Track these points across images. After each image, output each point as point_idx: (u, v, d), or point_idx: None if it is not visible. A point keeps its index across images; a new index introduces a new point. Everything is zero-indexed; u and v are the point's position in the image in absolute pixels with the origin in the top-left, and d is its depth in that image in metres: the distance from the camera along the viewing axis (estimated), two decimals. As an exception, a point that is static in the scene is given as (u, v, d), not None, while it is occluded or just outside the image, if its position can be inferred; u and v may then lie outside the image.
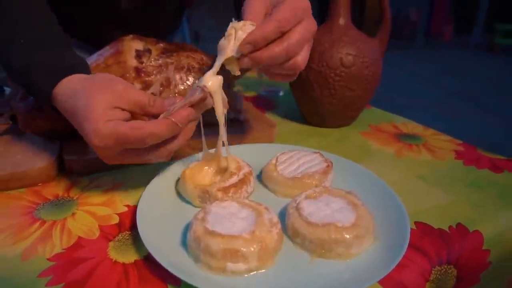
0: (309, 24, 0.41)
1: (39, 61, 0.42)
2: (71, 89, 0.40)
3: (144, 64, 0.55)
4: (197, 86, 0.39)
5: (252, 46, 0.38)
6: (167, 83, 0.55)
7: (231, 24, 0.39)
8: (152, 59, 0.56)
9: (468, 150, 0.59)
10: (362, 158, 0.57)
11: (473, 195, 0.47)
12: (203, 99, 0.39)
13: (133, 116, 0.40)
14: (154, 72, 0.55)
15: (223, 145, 0.44)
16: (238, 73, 0.41)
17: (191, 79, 0.57)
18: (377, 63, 0.63)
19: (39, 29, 0.45)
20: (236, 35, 0.38)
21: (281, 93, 0.87)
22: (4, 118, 0.54)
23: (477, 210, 0.43)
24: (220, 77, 0.39)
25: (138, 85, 0.54)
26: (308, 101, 0.65)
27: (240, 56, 0.39)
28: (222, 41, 0.39)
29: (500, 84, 4.59)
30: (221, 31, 0.40)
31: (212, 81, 0.39)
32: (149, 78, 0.55)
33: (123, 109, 0.39)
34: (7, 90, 0.68)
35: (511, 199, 0.46)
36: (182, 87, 0.56)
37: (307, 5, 0.42)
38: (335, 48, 0.60)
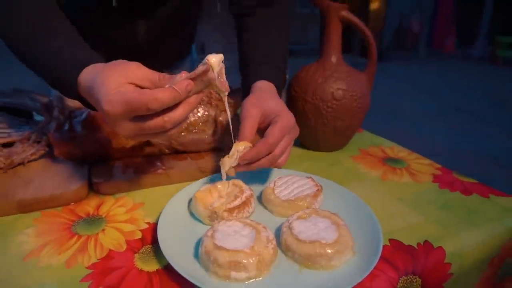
0: (292, 137, 0.56)
1: (66, 57, 0.50)
2: (91, 73, 0.47)
3: (161, 99, 0.63)
4: (201, 62, 0.44)
5: (247, 162, 0.51)
6: (180, 115, 0.64)
7: (234, 146, 0.51)
8: (168, 94, 0.64)
9: (445, 174, 0.67)
10: (351, 181, 0.65)
11: (442, 215, 0.54)
12: (205, 72, 0.44)
13: None
14: (170, 105, 0.64)
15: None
16: (233, 174, 0.52)
17: (201, 110, 0.66)
18: (365, 96, 0.71)
19: (65, 34, 0.53)
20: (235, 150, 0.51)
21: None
22: (41, 145, 0.63)
23: (443, 229, 0.51)
24: (221, 55, 0.45)
25: (155, 117, 0.63)
26: (304, 129, 0.72)
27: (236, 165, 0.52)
28: (226, 158, 0.51)
29: (502, 97, 4.65)
30: (225, 43, 0.47)
31: (215, 57, 0.44)
32: (165, 111, 0.63)
33: (136, 85, 0.43)
34: (37, 117, 0.76)
35: (474, 219, 0.53)
36: (193, 118, 0.65)
37: (293, 120, 0.56)
38: (327, 83, 0.69)
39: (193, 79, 0.43)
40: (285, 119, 0.54)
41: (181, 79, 0.42)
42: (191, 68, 0.48)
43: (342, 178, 0.65)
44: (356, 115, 0.70)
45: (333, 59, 0.71)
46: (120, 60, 0.46)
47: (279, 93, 0.66)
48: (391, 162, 0.72)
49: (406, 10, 8.45)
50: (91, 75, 0.46)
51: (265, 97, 0.57)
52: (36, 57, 0.53)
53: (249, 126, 0.53)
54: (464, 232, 0.51)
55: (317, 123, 0.70)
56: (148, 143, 0.64)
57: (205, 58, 0.44)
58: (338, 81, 0.69)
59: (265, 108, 0.55)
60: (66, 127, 0.61)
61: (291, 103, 0.73)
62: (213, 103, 0.67)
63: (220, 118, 0.66)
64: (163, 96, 0.40)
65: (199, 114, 0.65)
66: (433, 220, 0.53)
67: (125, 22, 0.81)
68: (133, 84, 0.44)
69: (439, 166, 0.70)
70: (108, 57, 0.49)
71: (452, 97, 4.75)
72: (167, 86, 0.42)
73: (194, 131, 0.65)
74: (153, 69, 0.46)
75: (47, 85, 0.55)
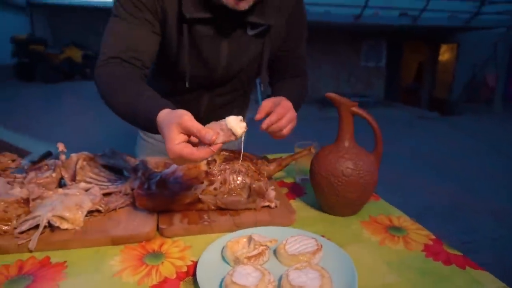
0: (290, 117, 0.88)
1: (149, 106, 0.77)
2: (161, 120, 0.72)
3: (211, 169, 0.87)
4: (229, 130, 0.67)
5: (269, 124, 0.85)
6: (224, 182, 0.87)
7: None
8: (217, 166, 0.88)
9: (435, 245, 0.80)
10: (353, 243, 0.80)
11: (416, 279, 0.68)
12: (230, 139, 0.67)
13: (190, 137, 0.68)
14: (217, 174, 0.87)
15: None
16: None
17: (240, 178, 0.88)
18: (372, 174, 0.88)
19: (149, 92, 0.83)
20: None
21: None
22: (128, 197, 0.89)
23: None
24: (240, 118, 0.69)
25: (206, 182, 0.86)
26: (321, 197, 0.91)
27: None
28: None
29: None
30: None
31: (240, 128, 0.67)
32: (213, 178, 0.87)
33: (184, 134, 0.67)
34: (126, 173, 1.05)
35: (441, 285, 0.66)
36: (233, 185, 0.87)
37: (288, 106, 0.89)
38: (339, 163, 0.87)
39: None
40: (281, 106, 0.86)
41: (217, 144, 0.67)
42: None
43: (346, 240, 0.81)
44: (363, 189, 0.87)
45: (346, 143, 0.89)
46: (177, 113, 0.69)
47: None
48: (393, 230, 0.86)
49: (479, 61, 8.17)
50: (162, 118, 0.73)
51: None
52: (131, 112, 0.83)
53: (266, 103, 0.88)
54: (427, 294, 0.64)
55: (330, 194, 0.88)
56: (200, 201, 0.87)
57: (227, 123, 0.67)
58: (347, 161, 0.87)
59: (272, 100, 0.89)
60: (146, 185, 0.87)
61: (312, 176, 0.92)
62: (249, 174, 0.89)
63: (254, 185, 0.88)
64: (205, 155, 0.67)
65: (238, 182, 0.88)
66: (406, 282, 0.67)
67: (192, 94, 1.11)
68: (182, 133, 0.67)
69: (433, 237, 0.83)
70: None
71: (526, 156, 4.45)
72: (205, 146, 0.66)
73: (233, 194, 0.87)
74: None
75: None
